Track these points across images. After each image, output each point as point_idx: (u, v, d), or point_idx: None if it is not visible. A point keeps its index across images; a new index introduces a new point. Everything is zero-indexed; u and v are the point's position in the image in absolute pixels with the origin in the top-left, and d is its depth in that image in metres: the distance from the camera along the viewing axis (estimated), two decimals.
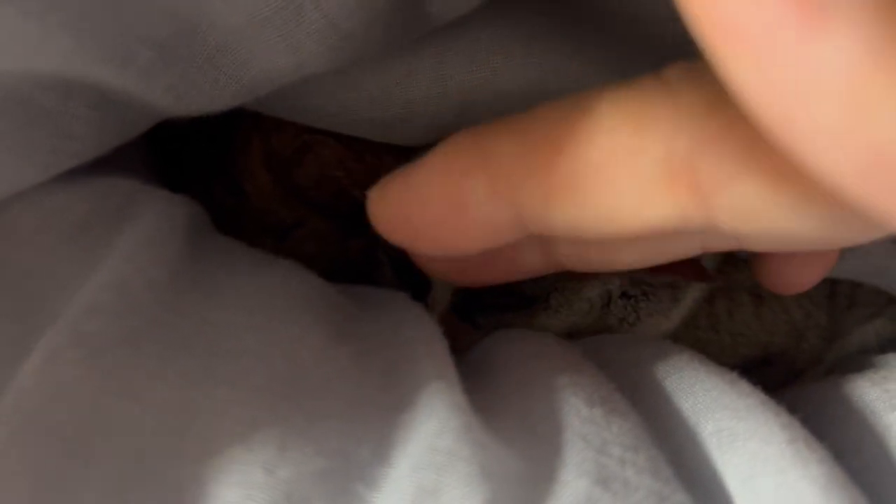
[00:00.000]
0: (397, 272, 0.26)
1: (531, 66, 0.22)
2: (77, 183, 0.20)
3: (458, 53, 0.22)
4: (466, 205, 0.18)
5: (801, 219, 0.14)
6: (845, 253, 0.23)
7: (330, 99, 0.22)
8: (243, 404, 0.17)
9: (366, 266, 0.26)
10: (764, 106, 0.11)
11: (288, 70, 0.20)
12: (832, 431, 0.19)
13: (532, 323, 0.24)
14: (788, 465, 0.17)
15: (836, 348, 0.26)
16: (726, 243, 0.18)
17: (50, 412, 0.15)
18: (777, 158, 0.13)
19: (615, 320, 0.24)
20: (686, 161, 0.14)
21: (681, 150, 0.14)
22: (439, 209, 0.18)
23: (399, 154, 0.25)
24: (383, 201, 0.19)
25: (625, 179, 0.15)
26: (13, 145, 0.18)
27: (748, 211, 0.14)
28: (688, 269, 0.23)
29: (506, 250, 0.20)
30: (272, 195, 0.25)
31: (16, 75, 0.17)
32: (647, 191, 0.15)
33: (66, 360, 0.16)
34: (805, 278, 0.22)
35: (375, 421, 0.17)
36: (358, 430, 0.17)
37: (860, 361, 0.25)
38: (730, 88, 0.11)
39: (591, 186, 0.16)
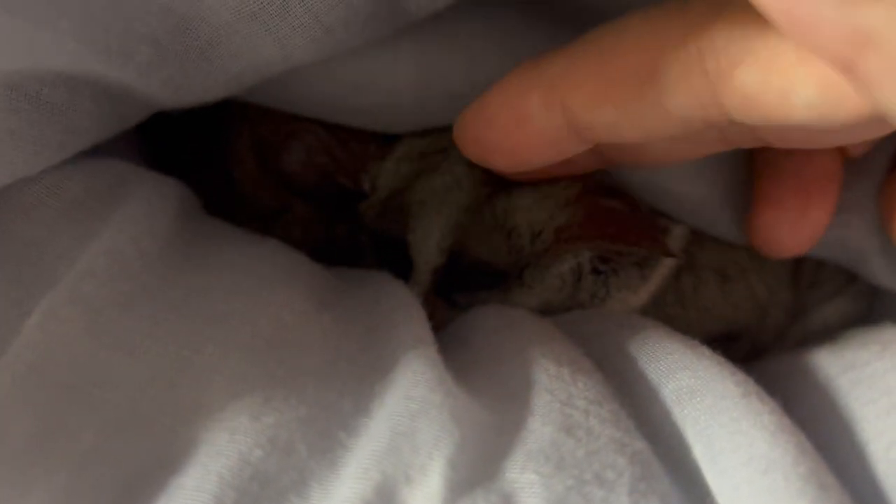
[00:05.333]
0: (379, 256, 0.27)
1: (506, 61, 0.23)
2: (72, 164, 0.21)
3: (438, 45, 0.23)
4: (526, 119, 0.20)
5: (793, 103, 0.16)
6: None
7: (315, 88, 0.24)
8: (230, 361, 0.18)
9: (350, 250, 0.27)
10: None
11: (275, 62, 0.21)
12: (787, 392, 0.20)
13: (507, 300, 0.25)
14: (741, 415, 0.18)
15: (799, 325, 0.28)
16: (742, 135, 0.20)
17: (50, 362, 0.17)
18: (771, 50, 0.16)
19: (586, 296, 0.25)
20: (698, 55, 0.17)
21: (693, 47, 0.17)
22: (504, 126, 0.21)
23: (384, 142, 0.26)
24: (461, 125, 0.22)
25: (651, 78, 0.18)
26: (25, 142, 0.19)
27: (750, 95, 0.17)
28: (648, 239, 0.24)
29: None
30: (259, 181, 0.26)
31: (25, 73, 0.18)
32: (669, 85, 0.18)
33: (64, 317, 0.17)
34: (795, 241, 0.24)
35: (355, 377, 0.18)
36: (338, 385, 0.18)
37: (822, 338, 0.26)
38: None
39: (624, 88, 0.18)
